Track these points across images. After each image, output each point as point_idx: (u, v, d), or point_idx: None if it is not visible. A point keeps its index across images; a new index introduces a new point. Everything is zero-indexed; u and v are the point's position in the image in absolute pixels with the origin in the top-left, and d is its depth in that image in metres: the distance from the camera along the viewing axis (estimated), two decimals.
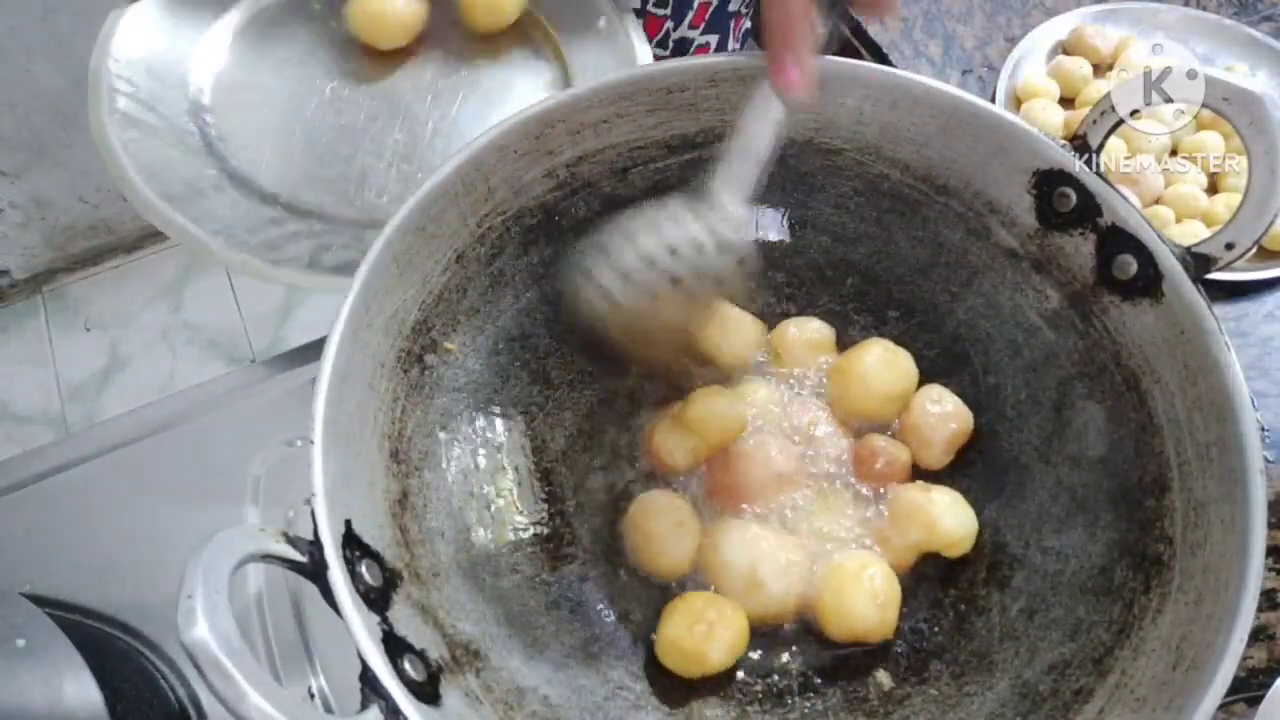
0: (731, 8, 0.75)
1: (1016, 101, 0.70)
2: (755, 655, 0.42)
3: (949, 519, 0.42)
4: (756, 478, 0.43)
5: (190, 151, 0.55)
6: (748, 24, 0.81)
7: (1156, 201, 0.65)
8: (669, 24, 0.72)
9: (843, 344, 0.49)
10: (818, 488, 0.44)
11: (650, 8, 0.70)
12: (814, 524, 0.43)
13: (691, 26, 0.73)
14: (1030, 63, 0.72)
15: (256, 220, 0.53)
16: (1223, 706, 0.32)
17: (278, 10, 0.62)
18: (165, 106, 0.56)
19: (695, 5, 0.72)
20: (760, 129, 0.37)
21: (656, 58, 0.73)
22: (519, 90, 0.61)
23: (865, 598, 0.40)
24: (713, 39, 0.76)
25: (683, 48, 0.74)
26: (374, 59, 0.62)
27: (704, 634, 0.39)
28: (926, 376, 0.48)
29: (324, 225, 0.53)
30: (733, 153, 0.38)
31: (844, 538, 0.43)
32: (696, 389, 0.45)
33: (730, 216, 0.37)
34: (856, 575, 0.40)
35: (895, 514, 0.43)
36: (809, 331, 0.48)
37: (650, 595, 0.43)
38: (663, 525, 0.43)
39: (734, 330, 0.47)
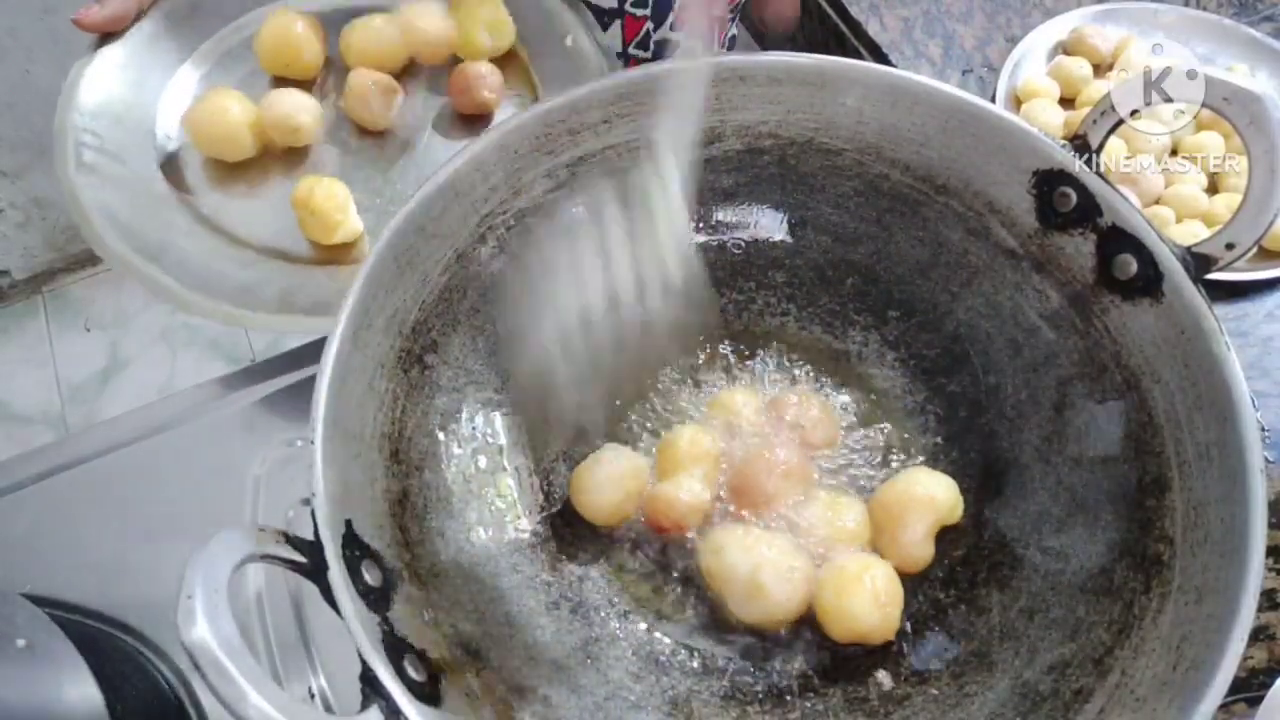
0: (714, 12, 0.74)
1: (1016, 101, 0.70)
2: (756, 655, 0.42)
3: (939, 491, 0.42)
4: (758, 485, 0.43)
5: (159, 200, 0.54)
6: (733, 30, 0.80)
7: (1156, 201, 0.65)
8: (649, 25, 0.71)
9: (842, 345, 0.49)
10: (824, 490, 0.45)
11: (629, 8, 0.70)
12: (818, 528, 0.43)
13: (673, 29, 0.72)
14: (1030, 63, 0.72)
15: (228, 265, 0.52)
16: (1223, 706, 0.32)
17: (241, 50, 0.61)
18: (133, 156, 0.55)
19: (675, 6, 0.71)
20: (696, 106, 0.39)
21: (636, 60, 0.73)
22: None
23: (868, 598, 0.39)
24: None
25: (664, 50, 0.73)
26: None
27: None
28: (927, 376, 0.48)
29: (292, 266, 0.53)
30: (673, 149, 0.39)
31: (849, 542, 0.43)
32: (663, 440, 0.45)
33: (675, 223, 0.39)
34: (858, 576, 0.40)
35: (895, 512, 0.42)
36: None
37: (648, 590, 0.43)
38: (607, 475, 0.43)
39: None
